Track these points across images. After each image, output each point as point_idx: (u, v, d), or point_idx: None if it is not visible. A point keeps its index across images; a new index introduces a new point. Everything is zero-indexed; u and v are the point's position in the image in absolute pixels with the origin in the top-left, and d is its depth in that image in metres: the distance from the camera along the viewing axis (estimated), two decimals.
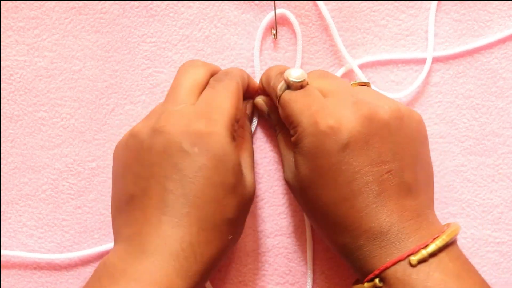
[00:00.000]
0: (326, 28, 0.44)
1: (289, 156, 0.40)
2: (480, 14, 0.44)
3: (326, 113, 0.36)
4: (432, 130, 0.44)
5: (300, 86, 0.38)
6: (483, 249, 0.44)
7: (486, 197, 0.44)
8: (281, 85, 0.38)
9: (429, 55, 0.44)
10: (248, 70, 0.44)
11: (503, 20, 0.44)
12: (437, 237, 0.34)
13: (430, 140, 0.44)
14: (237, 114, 0.38)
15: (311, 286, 0.43)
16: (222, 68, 0.43)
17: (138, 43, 0.44)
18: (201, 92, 0.38)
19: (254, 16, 0.44)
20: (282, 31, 0.44)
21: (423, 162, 0.38)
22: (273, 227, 0.44)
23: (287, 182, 0.40)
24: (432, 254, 0.33)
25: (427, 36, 0.44)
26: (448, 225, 0.36)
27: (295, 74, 0.37)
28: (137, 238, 0.34)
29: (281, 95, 0.38)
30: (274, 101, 0.40)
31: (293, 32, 0.44)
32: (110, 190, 0.44)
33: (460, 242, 0.44)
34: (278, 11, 0.43)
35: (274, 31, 0.44)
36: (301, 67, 0.44)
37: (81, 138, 0.44)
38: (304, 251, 0.44)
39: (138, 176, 0.36)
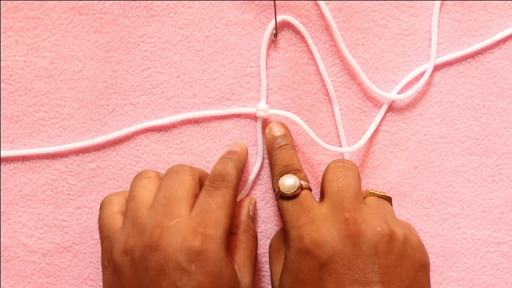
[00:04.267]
0: (326, 28, 0.44)
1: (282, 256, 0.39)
2: (481, 14, 0.44)
3: (312, 228, 0.36)
4: (432, 130, 0.44)
5: (292, 196, 0.38)
6: (483, 249, 0.44)
7: (486, 197, 0.44)
8: (277, 191, 0.39)
9: (432, 55, 0.44)
10: (248, 71, 0.44)
11: (503, 20, 0.44)
12: None
13: (430, 140, 0.44)
14: (231, 224, 0.38)
15: None
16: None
17: (138, 43, 0.44)
18: (195, 197, 0.38)
19: (254, 16, 0.44)
20: (282, 31, 0.44)
21: None
22: (273, 228, 0.44)
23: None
24: None
25: (428, 36, 0.44)
26: None
27: (286, 184, 0.38)
28: None
29: (277, 199, 0.39)
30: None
31: (293, 32, 0.44)
32: (110, 190, 0.44)
33: (460, 242, 0.44)
34: (281, 17, 0.43)
35: (274, 31, 0.43)
36: (301, 66, 0.44)
37: (81, 138, 0.44)
38: None
39: None
